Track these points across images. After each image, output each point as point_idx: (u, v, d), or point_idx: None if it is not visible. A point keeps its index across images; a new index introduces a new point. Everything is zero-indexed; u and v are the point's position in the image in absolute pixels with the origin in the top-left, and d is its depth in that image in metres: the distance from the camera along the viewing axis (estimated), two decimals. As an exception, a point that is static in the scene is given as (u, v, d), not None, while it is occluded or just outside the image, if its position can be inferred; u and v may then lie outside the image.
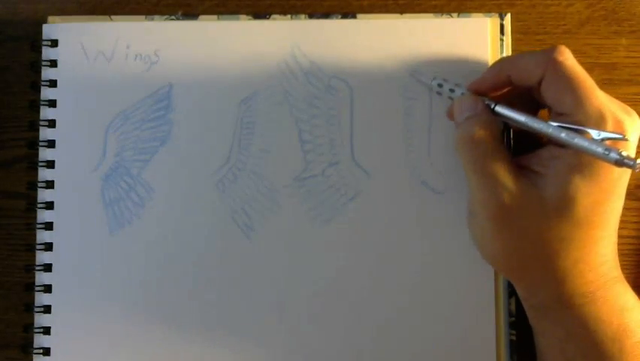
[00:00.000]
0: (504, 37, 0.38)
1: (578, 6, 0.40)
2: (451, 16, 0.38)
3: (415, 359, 0.37)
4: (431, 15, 0.39)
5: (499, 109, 0.34)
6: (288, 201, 0.38)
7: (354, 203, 0.38)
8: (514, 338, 0.37)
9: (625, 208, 0.38)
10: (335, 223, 0.38)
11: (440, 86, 0.36)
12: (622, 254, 0.38)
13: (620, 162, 0.29)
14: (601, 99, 0.31)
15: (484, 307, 0.37)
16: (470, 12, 0.39)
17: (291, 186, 0.38)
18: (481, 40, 0.38)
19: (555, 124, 0.32)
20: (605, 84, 0.39)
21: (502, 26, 0.38)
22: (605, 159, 0.30)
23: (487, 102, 0.34)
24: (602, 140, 0.30)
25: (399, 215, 0.37)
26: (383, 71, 0.38)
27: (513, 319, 0.37)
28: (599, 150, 0.30)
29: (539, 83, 0.33)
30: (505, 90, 0.35)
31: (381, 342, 0.37)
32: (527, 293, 0.34)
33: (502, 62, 0.35)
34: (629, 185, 0.38)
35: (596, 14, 0.40)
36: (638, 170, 0.29)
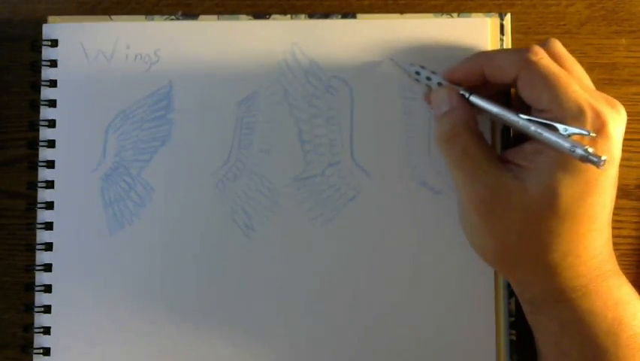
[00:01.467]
0: (504, 37, 0.38)
1: (578, 6, 0.40)
2: (451, 16, 0.38)
3: (415, 358, 0.37)
4: (431, 15, 0.39)
5: (474, 99, 0.34)
6: (288, 201, 0.38)
7: (354, 203, 0.38)
8: (514, 338, 0.37)
9: (625, 208, 0.38)
10: (335, 223, 0.38)
11: (418, 73, 0.37)
12: (622, 254, 0.38)
13: (585, 158, 0.29)
14: (578, 93, 0.31)
15: (484, 307, 0.37)
16: (470, 12, 0.39)
17: (291, 186, 0.38)
18: (481, 40, 0.38)
19: (525, 117, 0.32)
20: (605, 84, 0.39)
21: (502, 26, 0.38)
22: (571, 154, 0.30)
23: (462, 92, 0.34)
24: (569, 135, 0.30)
25: (398, 215, 0.37)
26: (383, 71, 0.38)
27: (513, 319, 0.37)
28: (566, 145, 0.30)
29: (515, 82, 0.33)
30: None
31: (381, 342, 0.37)
32: (520, 288, 0.34)
33: (478, 55, 0.35)
34: (628, 185, 0.38)
35: (596, 14, 0.40)
36: (602, 167, 0.29)
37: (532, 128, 0.31)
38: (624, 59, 0.39)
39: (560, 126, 0.31)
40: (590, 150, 0.29)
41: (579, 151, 0.29)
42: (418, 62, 0.38)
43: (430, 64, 0.38)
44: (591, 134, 0.30)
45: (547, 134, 0.31)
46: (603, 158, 0.29)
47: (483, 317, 0.37)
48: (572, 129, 0.30)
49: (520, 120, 0.32)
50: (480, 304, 0.37)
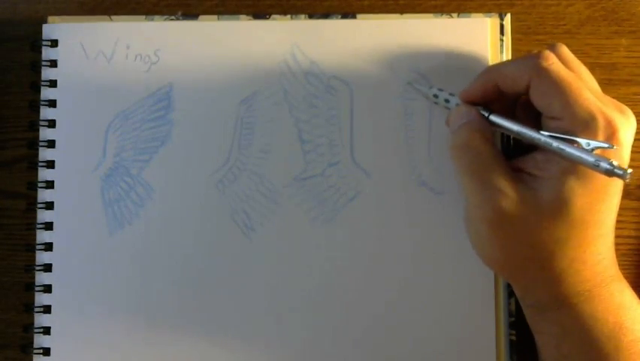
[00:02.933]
0: (504, 38, 0.38)
1: (578, 6, 0.40)
2: (451, 16, 0.38)
3: (415, 358, 0.37)
4: (431, 15, 0.39)
5: (494, 118, 0.34)
6: (288, 201, 0.38)
7: (354, 203, 0.38)
8: (514, 338, 0.37)
9: (625, 208, 0.38)
10: (335, 223, 0.38)
11: (436, 96, 0.37)
12: (622, 254, 0.38)
13: (611, 172, 0.29)
14: (590, 100, 0.31)
15: (484, 307, 0.37)
16: (470, 12, 0.39)
17: (291, 186, 0.38)
18: (481, 40, 0.38)
19: (547, 134, 0.32)
20: (605, 84, 0.39)
21: (502, 26, 0.38)
22: (595, 169, 0.30)
23: (481, 111, 0.34)
24: (592, 149, 0.30)
25: (398, 215, 0.37)
26: (383, 71, 0.38)
27: (513, 319, 0.37)
28: (590, 159, 0.30)
29: (527, 90, 0.33)
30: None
31: (381, 342, 0.37)
32: (524, 293, 0.34)
33: (488, 70, 0.35)
34: (629, 185, 0.38)
35: (596, 14, 0.40)
36: (628, 180, 0.29)
37: (555, 144, 0.31)
38: (624, 59, 0.39)
39: (582, 141, 0.30)
40: (616, 163, 0.29)
41: (604, 165, 0.29)
42: (417, 63, 0.38)
43: (430, 65, 0.38)
44: (614, 147, 0.30)
45: (570, 150, 0.31)
46: (629, 171, 0.29)
47: (483, 317, 0.37)
48: (594, 143, 0.30)
49: (542, 137, 0.32)
50: (480, 305, 0.37)
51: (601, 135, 0.31)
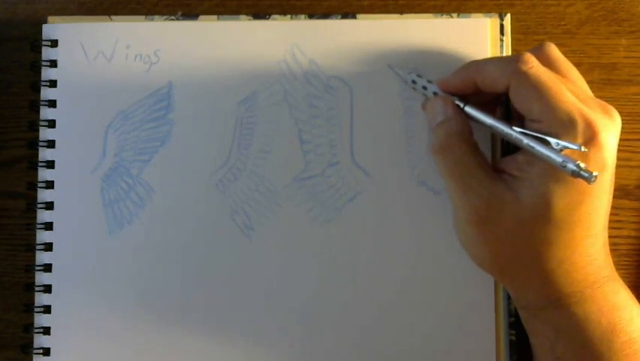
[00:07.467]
0: (504, 38, 0.38)
1: (578, 6, 0.40)
2: (451, 17, 0.38)
3: (415, 358, 0.37)
4: (431, 15, 0.39)
5: (469, 110, 0.34)
6: (287, 201, 0.38)
7: (354, 203, 0.38)
8: (514, 338, 0.37)
9: (625, 208, 0.38)
10: (335, 224, 0.38)
11: (414, 82, 0.37)
12: (622, 254, 0.38)
13: (577, 174, 0.29)
14: (569, 102, 0.31)
15: (484, 307, 0.37)
16: (470, 12, 0.39)
17: (291, 186, 0.38)
18: (481, 40, 0.38)
19: (518, 130, 0.32)
20: (605, 84, 0.39)
21: (501, 26, 0.38)
22: (563, 169, 0.30)
23: (457, 102, 0.34)
24: (561, 149, 0.30)
25: (398, 215, 0.37)
26: (383, 71, 0.38)
27: (513, 319, 0.37)
28: (558, 159, 0.30)
29: (507, 91, 0.32)
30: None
31: (381, 342, 0.37)
32: (517, 294, 0.34)
33: (469, 66, 0.35)
34: (629, 185, 0.38)
35: (596, 14, 0.40)
36: (593, 182, 0.29)
37: (525, 141, 0.31)
38: (624, 59, 0.39)
39: (552, 140, 0.30)
40: (582, 165, 0.29)
41: (570, 166, 0.29)
42: (417, 63, 0.38)
43: (430, 65, 0.38)
44: (583, 149, 0.30)
45: (539, 148, 0.31)
46: (595, 174, 0.29)
47: (483, 317, 0.37)
48: (563, 143, 0.30)
49: (514, 133, 0.32)
50: (480, 304, 0.37)
51: (580, 138, 0.30)
